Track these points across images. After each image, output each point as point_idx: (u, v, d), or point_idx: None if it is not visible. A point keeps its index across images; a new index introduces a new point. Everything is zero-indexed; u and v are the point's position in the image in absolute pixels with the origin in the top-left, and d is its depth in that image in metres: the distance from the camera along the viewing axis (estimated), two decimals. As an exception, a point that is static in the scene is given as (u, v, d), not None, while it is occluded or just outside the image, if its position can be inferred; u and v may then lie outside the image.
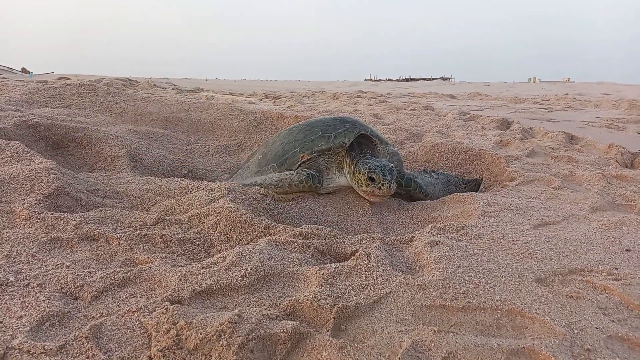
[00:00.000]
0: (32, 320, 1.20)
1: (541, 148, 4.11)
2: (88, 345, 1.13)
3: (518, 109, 8.72)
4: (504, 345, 1.22)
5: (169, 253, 1.71)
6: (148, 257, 1.62)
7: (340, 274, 1.55)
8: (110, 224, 1.84)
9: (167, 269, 1.51)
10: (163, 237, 1.79)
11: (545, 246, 1.90)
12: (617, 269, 1.73)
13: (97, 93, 4.92)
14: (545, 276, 1.64)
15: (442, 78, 55.05)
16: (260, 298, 1.41)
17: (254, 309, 1.31)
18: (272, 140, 3.24)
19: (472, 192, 2.76)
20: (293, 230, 1.88)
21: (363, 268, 1.59)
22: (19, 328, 1.17)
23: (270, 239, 1.76)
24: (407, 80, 53.85)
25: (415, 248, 1.82)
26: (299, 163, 2.69)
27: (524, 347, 1.22)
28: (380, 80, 55.13)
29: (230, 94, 11.80)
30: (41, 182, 2.02)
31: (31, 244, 1.60)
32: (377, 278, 1.53)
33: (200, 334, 1.16)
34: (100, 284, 1.40)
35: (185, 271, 1.48)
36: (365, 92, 13.67)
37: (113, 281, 1.43)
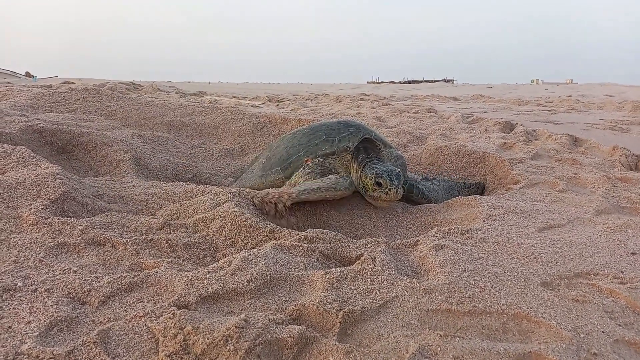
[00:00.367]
0: (40, 325, 1.21)
1: (545, 150, 4.11)
2: (96, 350, 1.14)
3: (521, 111, 8.71)
4: (511, 349, 1.22)
5: (175, 258, 1.71)
6: (154, 262, 1.63)
7: (346, 278, 1.55)
8: (116, 229, 1.85)
9: (174, 274, 1.51)
10: (169, 241, 1.80)
11: (550, 249, 1.90)
12: (622, 272, 1.73)
13: (102, 97, 4.94)
14: (551, 280, 1.64)
15: (444, 80, 55.06)
16: (266, 302, 1.41)
17: (260, 313, 1.31)
18: (276, 143, 3.25)
19: (477, 195, 2.76)
20: (298, 235, 1.88)
21: (368, 272, 1.59)
22: (27, 333, 1.18)
23: (275, 243, 1.77)
24: (409, 82, 53.88)
25: (421, 252, 1.82)
26: (305, 167, 2.69)
27: (530, 352, 1.22)
28: (382, 82, 55.17)
29: (234, 97, 11.83)
30: (47, 187, 2.04)
31: (38, 249, 1.61)
32: (382, 282, 1.54)
33: (208, 339, 1.16)
34: (108, 289, 1.41)
35: (192, 276, 1.49)
36: (368, 95, 13.68)
37: (120, 286, 1.44)
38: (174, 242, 1.80)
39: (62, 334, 1.21)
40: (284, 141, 3.08)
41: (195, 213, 2.11)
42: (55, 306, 1.30)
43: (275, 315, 1.32)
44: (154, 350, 1.17)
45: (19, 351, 1.11)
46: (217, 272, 1.53)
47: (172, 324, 1.21)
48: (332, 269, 1.60)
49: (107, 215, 1.96)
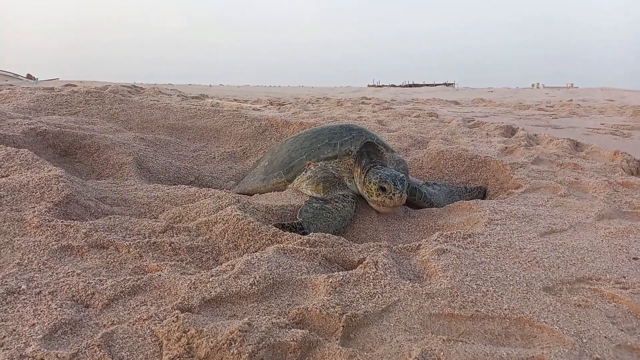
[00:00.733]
0: (44, 328, 1.22)
1: (546, 155, 4.11)
2: (100, 353, 1.15)
3: (522, 116, 8.72)
4: (513, 354, 1.23)
5: (178, 261, 1.72)
6: (157, 265, 1.63)
7: (349, 282, 1.56)
8: (119, 232, 1.86)
9: (177, 277, 1.52)
10: (172, 244, 1.80)
11: (552, 254, 1.90)
12: (624, 277, 1.73)
13: (104, 100, 4.95)
14: (553, 285, 1.65)
15: (445, 84, 55.13)
16: (269, 306, 1.42)
17: (264, 317, 1.32)
18: (278, 147, 3.26)
19: (478, 200, 2.77)
20: (300, 238, 1.89)
21: (371, 276, 1.60)
22: (32, 336, 1.18)
23: (278, 247, 1.77)
24: (410, 86, 53.95)
25: (423, 256, 1.83)
26: (307, 170, 2.70)
27: (533, 356, 1.22)
28: (383, 86, 55.25)
29: (235, 100, 11.86)
30: (51, 190, 2.04)
31: (42, 251, 1.61)
32: (385, 286, 1.54)
33: (211, 342, 1.17)
34: (111, 292, 1.42)
35: (195, 279, 1.49)
36: (369, 99, 13.71)
37: (123, 289, 1.44)
38: (177, 245, 1.80)
39: (66, 337, 1.22)
40: (286, 145, 3.08)
41: (198, 216, 2.12)
42: (59, 309, 1.30)
43: (279, 318, 1.32)
44: (157, 354, 1.18)
45: (23, 354, 1.11)
46: (220, 275, 1.53)
47: (176, 327, 1.22)
48: (335, 273, 1.60)
49: (110, 218, 1.97)
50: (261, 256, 1.66)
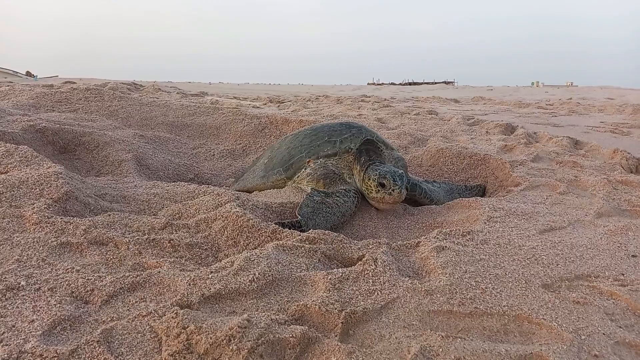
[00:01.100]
0: (43, 324, 1.22)
1: (546, 153, 4.11)
2: (100, 349, 1.15)
3: (522, 114, 8.72)
4: (512, 350, 1.23)
5: (177, 257, 1.72)
6: (157, 262, 1.64)
7: (348, 279, 1.56)
8: (118, 229, 1.86)
9: (176, 274, 1.52)
10: (171, 241, 1.80)
11: (551, 251, 1.90)
12: (623, 274, 1.73)
13: (103, 97, 4.95)
14: (552, 282, 1.65)
15: (445, 82, 55.09)
16: (269, 303, 1.42)
17: (263, 313, 1.32)
18: (277, 144, 3.26)
19: (478, 197, 2.77)
20: (300, 235, 1.89)
21: (370, 273, 1.60)
22: (31, 332, 1.18)
23: (277, 244, 1.77)
24: (410, 84, 53.92)
25: (422, 253, 1.83)
26: (306, 168, 2.70)
27: (531, 353, 1.22)
28: (383, 84, 55.22)
29: (235, 98, 11.84)
30: (50, 186, 2.04)
31: (41, 248, 1.61)
32: (384, 283, 1.54)
33: (210, 338, 1.17)
34: (110, 288, 1.42)
35: (194, 276, 1.49)
36: (369, 97, 13.70)
37: (123, 285, 1.44)
38: (176, 242, 1.80)
39: (65, 333, 1.22)
40: (286, 142, 3.08)
41: (197, 213, 2.12)
42: (59, 305, 1.30)
43: (278, 315, 1.32)
44: (157, 350, 1.18)
45: (22, 350, 1.11)
46: (219, 272, 1.53)
47: (175, 324, 1.22)
48: (334, 270, 1.60)
49: (109, 215, 1.96)
50: (260, 253, 1.66)
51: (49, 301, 1.32)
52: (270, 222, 2.03)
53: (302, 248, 1.77)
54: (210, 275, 1.50)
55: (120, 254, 1.68)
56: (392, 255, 1.78)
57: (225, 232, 1.93)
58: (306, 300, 1.41)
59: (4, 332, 1.18)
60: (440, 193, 2.97)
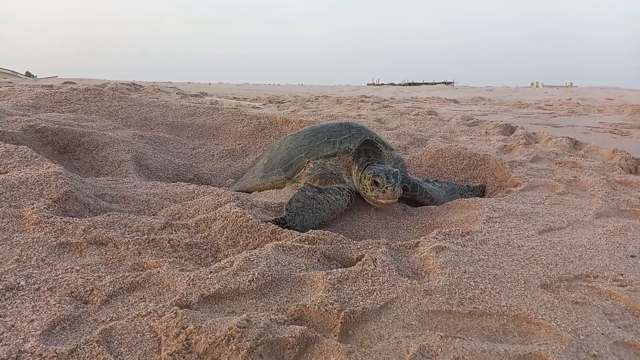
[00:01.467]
0: (43, 324, 1.22)
1: (545, 153, 4.12)
2: (99, 349, 1.15)
3: (521, 114, 8.72)
4: (511, 350, 1.23)
5: (176, 257, 1.72)
6: (156, 262, 1.64)
7: (347, 279, 1.56)
8: (118, 229, 1.86)
9: (175, 274, 1.52)
10: (171, 241, 1.80)
11: (550, 252, 1.91)
12: (622, 275, 1.73)
13: (103, 98, 4.95)
14: (551, 282, 1.65)
15: (444, 82, 55.13)
16: (268, 303, 1.42)
17: (262, 313, 1.32)
18: (277, 145, 3.26)
19: (477, 198, 2.77)
20: (299, 236, 1.89)
21: (369, 273, 1.60)
22: (30, 332, 1.19)
23: (276, 244, 1.78)
24: (409, 84, 53.94)
25: (421, 253, 1.83)
26: (305, 168, 2.70)
27: (530, 353, 1.22)
28: (383, 84, 55.22)
29: (234, 98, 11.85)
30: (50, 186, 2.04)
31: (41, 248, 1.61)
32: (383, 283, 1.54)
33: (210, 338, 1.17)
34: (110, 288, 1.42)
35: (194, 276, 1.49)
36: (369, 97, 13.71)
37: (122, 285, 1.44)
38: (175, 242, 1.81)
39: (64, 333, 1.22)
40: (286, 142, 3.08)
41: (196, 213, 2.12)
42: (58, 305, 1.31)
43: (277, 315, 1.32)
44: (156, 349, 1.18)
45: (22, 349, 1.12)
46: (218, 272, 1.53)
47: (175, 323, 1.22)
48: (334, 270, 1.60)
49: (109, 215, 1.97)
50: (260, 253, 1.66)
51: (49, 301, 1.32)
52: (269, 223, 2.03)
53: (302, 248, 1.77)
54: (209, 276, 1.50)
55: (119, 254, 1.68)
56: (392, 256, 1.78)
57: (225, 233, 1.94)
58: (305, 300, 1.41)
59: (3, 332, 1.18)
60: (442, 193, 2.97)
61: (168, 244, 1.79)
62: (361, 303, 1.42)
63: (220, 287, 1.44)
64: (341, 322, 1.32)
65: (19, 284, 1.39)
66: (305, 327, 1.26)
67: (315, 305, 1.36)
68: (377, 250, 1.79)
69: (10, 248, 1.60)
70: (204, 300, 1.39)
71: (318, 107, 9.03)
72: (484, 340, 1.30)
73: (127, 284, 1.45)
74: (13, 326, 1.21)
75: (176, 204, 2.26)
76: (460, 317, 1.40)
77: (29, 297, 1.34)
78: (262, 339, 1.18)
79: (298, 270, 1.62)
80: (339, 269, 1.62)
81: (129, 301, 1.39)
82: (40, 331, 1.19)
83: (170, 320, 1.24)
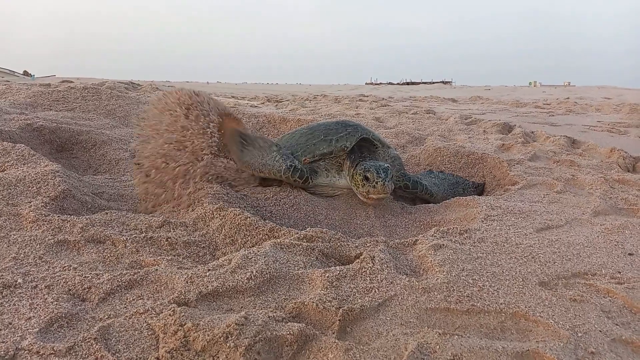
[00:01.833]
0: (40, 321, 1.22)
1: (543, 152, 4.12)
2: (97, 346, 1.15)
3: (519, 113, 8.73)
4: (509, 347, 1.23)
5: (174, 255, 1.72)
6: (154, 260, 1.63)
7: (345, 276, 1.56)
8: (116, 227, 1.86)
9: (173, 271, 1.52)
10: (168, 239, 1.80)
11: (548, 250, 1.91)
12: (620, 272, 1.74)
13: (101, 96, 4.94)
14: (549, 279, 1.65)
15: (442, 82, 55.16)
16: (266, 300, 1.42)
17: (260, 311, 1.32)
18: (275, 143, 3.26)
19: (475, 196, 2.78)
20: (298, 233, 1.89)
21: (368, 271, 1.60)
22: (28, 329, 1.18)
23: (275, 242, 1.77)
24: (408, 84, 53.96)
25: (419, 251, 1.83)
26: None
27: (528, 350, 1.23)
28: (381, 83, 55.24)
29: (233, 97, 11.83)
30: (47, 184, 2.04)
31: (38, 246, 1.61)
32: (381, 281, 1.54)
33: (208, 335, 1.17)
34: (108, 286, 1.42)
35: (192, 273, 1.49)
36: (367, 96, 13.70)
37: (120, 283, 1.44)
38: (173, 240, 1.80)
39: (62, 330, 1.22)
40: (283, 141, 3.08)
41: (194, 211, 2.12)
42: (56, 303, 1.30)
43: (275, 312, 1.32)
44: (154, 347, 1.18)
45: (19, 347, 1.11)
46: (217, 270, 1.53)
47: (173, 321, 1.22)
48: (332, 268, 1.60)
49: (106, 213, 1.96)
50: (258, 251, 1.66)
51: (46, 299, 1.32)
52: (267, 221, 2.03)
53: (300, 246, 1.77)
54: (207, 273, 1.50)
55: (117, 251, 1.68)
56: (390, 253, 1.78)
57: (223, 230, 1.93)
58: (304, 297, 1.41)
59: (0, 330, 1.18)
60: (443, 185, 3.00)
61: (166, 242, 1.79)
62: (359, 300, 1.42)
63: (219, 285, 1.44)
64: (339, 320, 1.32)
65: (16, 281, 1.39)
66: (304, 325, 1.26)
67: (313, 302, 1.36)
68: (375, 248, 1.79)
69: (8, 246, 1.60)
70: (202, 298, 1.39)
71: (316, 106, 9.02)
72: (482, 338, 1.30)
73: (124, 282, 1.45)
74: (10, 324, 1.21)
75: (174, 201, 2.25)
76: (459, 315, 1.40)
77: (26, 294, 1.34)
78: (260, 336, 1.18)
79: (296, 268, 1.62)
80: (337, 267, 1.62)
81: (127, 299, 1.39)
82: (37, 329, 1.19)
83: (168, 318, 1.24)
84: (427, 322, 1.36)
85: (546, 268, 1.73)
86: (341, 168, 2.70)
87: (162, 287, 1.45)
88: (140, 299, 1.39)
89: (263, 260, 1.58)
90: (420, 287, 1.51)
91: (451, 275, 1.59)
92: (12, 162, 2.29)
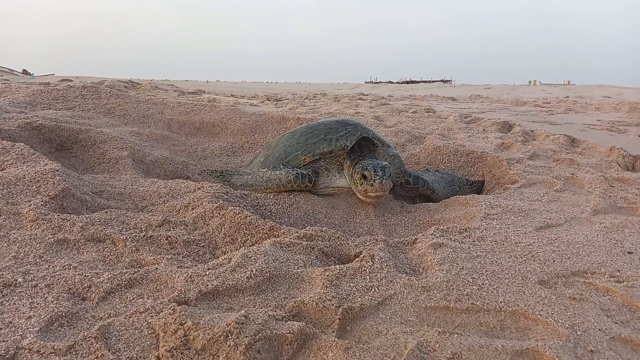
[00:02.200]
0: (41, 320, 1.22)
1: (543, 151, 4.12)
2: (97, 345, 1.15)
3: (519, 112, 8.73)
4: (508, 346, 1.24)
5: (174, 254, 1.72)
6: (154, 259, 1.64)
7: (345, 275, 1.56)
8: (116, 226, 1.86)
9: (173, 270, 1.52)
10: (168, 238, 1.80)
11: (547, 248, 1.91)
12: (619, 271, 1.74)
13: (100, 95, 4.93)
14: (548, 278, 1.66)
15: (442, 80, 55.14)
16: (266, 299, 1.42)
17: (260, 310, 1.32)
18: (274, 142, 3.26)
19: (475, 195, 2.78)
20: (297, 232, 1.89)
21: (367, 270, 1.60)
22: (28, 328, 1.18)
23: (274, 241, 1.78)
24: (407, 82, 53.90)
25: (419, 250, 1.83)
26: (301, 165, 2.71)
27: (527, 348, 1.23)
28: (380, 82, 55.17)
29: (232, 96, 11.81)
30: (47, 183, 2.04)
31: (38, 245, 1.61)
32: (381, 280, 1.55)
33: (208, 334, 1.17)
34: (108, 285, 1.42)
35: (192, 272, 1.49)
36: (367, 95, 13.69)
37: (120, 282, 1.44)
38: (173, 239, 1.80)
39: (62, 329, 1.22)
40: (283, 140, 3.08)
41: (194, 210, 2.12)
42: (56, 301, 1.30)
43: (275, 311, 1.32)
44: (154, 346, 1.18)
45: (20, 346, 1.11)
46: (216, 268, 1.53)
47: (173, 320, 1.22)
48: (331, 267, 1.61)
49: (106, 212, 1.96)
50: (258, 250, 1.66)
51: (46, 297, 1.32)
52: (267, 220, 2.03)
53: (300, 245, 1.77)
54: (207, 272, 1.50)
55: (117, 250, 1.68)
56: (389, 252, 1.78)
57: (223, 229, 1.94)
58: (303, 296, 1.41)
59: (1, 329, 1.18)
60: (442, 183, 3.01)
61: (166, 241, 1.79)
62: (359, 299, 1.42)
63: (219, 284, 1.44)
64: (339, 318, 1.32)
65: (16, 280, 1.39)
66: (303, 324, 1.26)
67: (313, 301, 1.36)
68: (375, 247, 1.80)
69: (8, 245, 1.60)
70: (202, 297, 1.39)
71: (316, 105, 9.01)
72: (481, 336, 1.30)
73: (124, 281, 1.45)
74: (11, 323, 1.21)
75: (174, 200, 2.25)
76: (458, 313, 1.40)
77: (26, 293, 1.34)
78: (260, 335, 1.18)
79: (296, 266, 1.62)
80: (337, 266, 1.62)
81: (127, 298, 1.39)
82: (38, 328, 1.19)
83: (168, 317, 1.24)
84: (427, 321, 1.36)
85: (545, 267, 1.74)
86: (341, 167, 2.70)
87: (162, 286, 1.46)
88: (140, 298, 1.39)
89: (263, 259, 1.58)
90: (420, 285, 1.51)
91: (451, 273, 1.59)
92: (11, 160, 2.29)
